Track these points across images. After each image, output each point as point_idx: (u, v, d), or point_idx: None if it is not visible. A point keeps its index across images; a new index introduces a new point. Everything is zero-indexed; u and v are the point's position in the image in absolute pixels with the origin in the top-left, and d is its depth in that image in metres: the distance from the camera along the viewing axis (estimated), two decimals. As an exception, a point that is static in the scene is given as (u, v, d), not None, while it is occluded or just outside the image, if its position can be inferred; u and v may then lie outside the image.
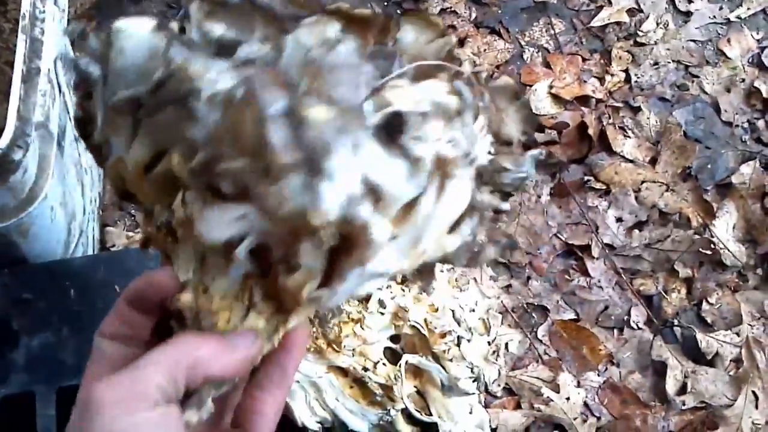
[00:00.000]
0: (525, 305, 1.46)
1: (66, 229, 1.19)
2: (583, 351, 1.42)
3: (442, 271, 0.91)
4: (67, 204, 1.19)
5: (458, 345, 0.86)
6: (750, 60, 1.80)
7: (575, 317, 1.46)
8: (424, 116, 0.40)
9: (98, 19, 1.75)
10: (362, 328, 0.82)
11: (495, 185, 0.48)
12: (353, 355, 0.82)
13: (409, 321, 0.83)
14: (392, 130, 0.39)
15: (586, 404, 1.37)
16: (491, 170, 0.47)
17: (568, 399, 1.36)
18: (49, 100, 1.00)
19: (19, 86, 0.94)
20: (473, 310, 0.91)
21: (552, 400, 1.36)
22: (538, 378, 1.39)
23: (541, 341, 1.43)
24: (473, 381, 0.85)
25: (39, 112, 0.99)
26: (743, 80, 1.75)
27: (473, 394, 0.86)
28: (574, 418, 1.35)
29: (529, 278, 1.49)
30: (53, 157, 1.04)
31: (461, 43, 1.76)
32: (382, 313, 0.83)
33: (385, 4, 1.83)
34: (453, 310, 0.87)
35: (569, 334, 1.44)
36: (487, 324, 0.92)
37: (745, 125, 1.70)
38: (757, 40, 1.82)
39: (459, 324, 0.86)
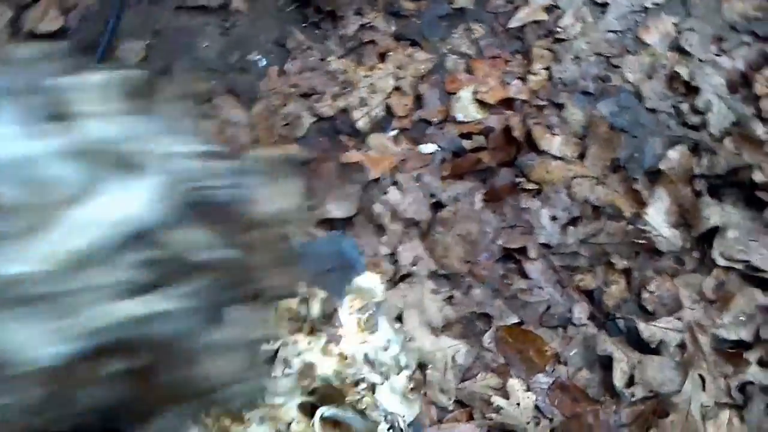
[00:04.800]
0: (468, 314, 1.46)
1: None
2: (529, 354, 1.43)
3: (350, 314, 0.91)
4: None
5: (372, 391, 0.85)
6: (669, 45, 1.82)
7: (519, 321, 1.46)
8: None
9: None
10: (263, 399, 0.80)
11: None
12: (262, 423, 0.81)
13: (318, 377, 0.82)
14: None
15: (537, 407, 1.37)
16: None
17: (518, 404, 1.37)
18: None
19: None
20: (386, 349, 0.90)
21: (503, 408, 1.36)
22: (487, 386, 1.39)
23: (487, 349, 1.43)
24: (389, 429, 0.84)
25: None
26: (664, 66, 1.77)
27: (393, 440, 0.85)
28: (527, 423, 1.35)
29: (470, 287, 1.49)
30: None
31: (382, 58, 1.76)
32: (288, 374, 0.82)
33: (304, 22, 1.83)
34: (365, 354, 0.86)
35: (514, 338, 1.44)
36: (404, 359, 0.91)
37: (670, 110, 1.72)
38: (675, 24, 1.85)
39: (372, 367, 0.86)
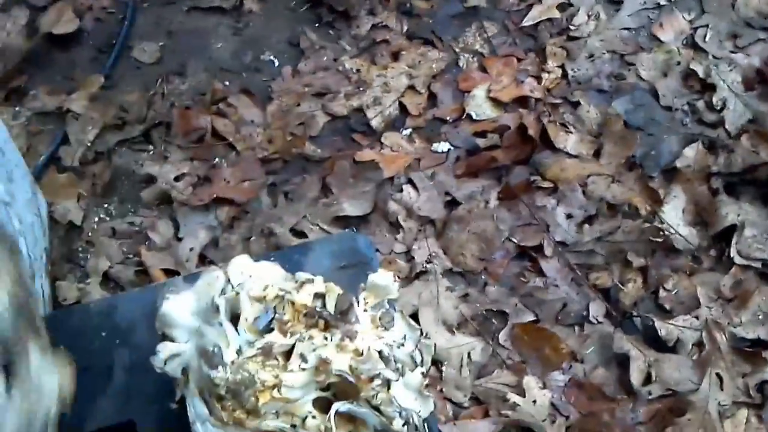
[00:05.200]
0: (484, 312, 1.46)
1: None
2: (545, 351, 1.42)
3: (365, 311, 0.90)
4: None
5: (387, 387, 0.85)
6: (684, 42, 1.81)
7: (535, 318, 1.46)
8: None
9: (29, 73, 1.73)
10: (280, 392, 0.80)
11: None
12: (278, 417, 0.81)
13: (333, 372, 0.82)
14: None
15: (553, 404, 1.36)
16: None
17: (534, 402, 1.36)
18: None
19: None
20: (402, 345, 0.89)
21: (519, 405, 1.35)
22: (503, 384, 1.38)
23: (503, 346, 1.43)
24: (403, 425, 0.84)
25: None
26: (679, 63, 1.77)
27: (407, 432, 0.85)
28: (543, 420, 1.35)
29: (485, 284, 1.49)
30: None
31: (395, 57, 1.76)
32: (304, 369, 0.82)
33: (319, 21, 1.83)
34: (380, 350, 0.85)
35: (530, 336, 1.44)
36: (419, 355, 0.91)
37: (685, 108, 1.71)
38: (689, 21, 1.84)
39: (387, 363, 0.85)
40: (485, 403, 1.37)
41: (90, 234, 1.55)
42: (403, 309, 1.37)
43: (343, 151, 1.64)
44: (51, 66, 1.77)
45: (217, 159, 1.63)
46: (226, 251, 1.50)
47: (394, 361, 0.89)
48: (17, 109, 1.70)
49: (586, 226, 1.54)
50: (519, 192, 1.57)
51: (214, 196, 1.56)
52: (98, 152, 1.65)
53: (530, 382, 1.38)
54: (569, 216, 1.55)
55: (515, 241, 1.53)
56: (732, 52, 1.78)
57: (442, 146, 1.65)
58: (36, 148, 1.65)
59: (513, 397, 1.36)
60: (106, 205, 1.59)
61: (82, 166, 1.63)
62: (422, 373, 0.92)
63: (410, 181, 1.59)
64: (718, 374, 1.37)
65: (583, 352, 1.43)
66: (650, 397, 1.37)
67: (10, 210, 1.19)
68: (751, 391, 1.36)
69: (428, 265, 1.49)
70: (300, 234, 1.52)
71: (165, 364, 0.87)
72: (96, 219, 1.57)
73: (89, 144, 1.64)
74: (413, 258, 1.49)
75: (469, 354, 1.40)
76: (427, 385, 0.91)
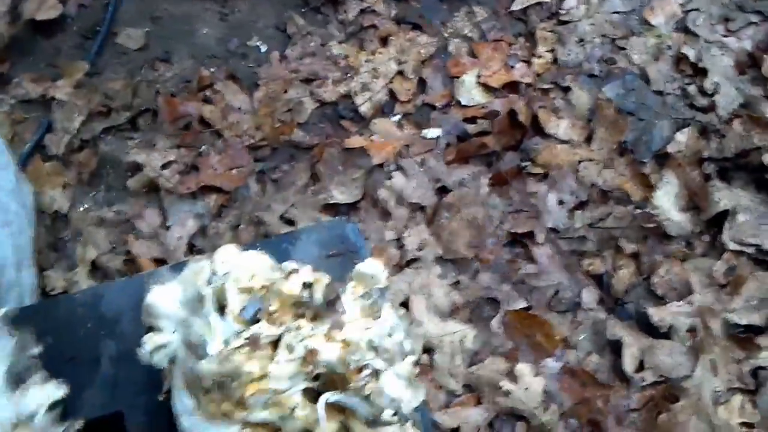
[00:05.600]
0: (476, 299, 1.45)
1: (-9, 284, 1.15)
2: (538, 338, 1.41)
3: (354, 301, 0.88)
4: (-11, 258, 1.15)
5: (377, 377, 0.83)
6: (675, 26, 1.80)
7: (527, 305, 1.45)
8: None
9: (12, 60, 1.70)
10: (267, 384, 0.78)
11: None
12: (265, 408, 0.79)
13: (321, 362, 0.80)
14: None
15: (546, 392, 1.35)
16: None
17: (527, 389, 1.35)
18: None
19: None
20: (391, 335, 0.88)
21: (511, 392, 1.34)
22: (495, 371, 1.37)
23: (495, 334, 1.42)
24: (393, 415, 0.82)
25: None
26: (670, 47, 1.75)
27: (397, 423, 0.84)
28: (535, 407, 1.34)
29: (477, 272, 1.48)
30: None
31: (384, 42, 1.74)
32: (291, 360, 0.80)
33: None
34: (369, 340, 0.84)
35: (522, 323, 1.43)
36: (409, 345, 0.89)
37: (677, 92, 1.70)
38: (681, 5, 1.82)
39: (377, 353, 0.83)
40: (477, 391, 1.36)
41: (77, 223, 1.53)
42: (395, 297, 1.36)
43: (332, 137, 1.62)
44: (34, 53, 1.75)
45: (204, 146, 1.61)
46: (215, 240, 1.48)
47: (383, 351, 0.87)
48: (0, 96, 1.67)
49: (578, 212, 1.53)
50: (510, 178, 1.56)
51: (202, 184, 1.54)
52: (84, 140, 1.62)
53: (523, 369, 1.36)
54: (561, 202, 1.54)
55: (506, 227, 1.52)
56: (724, 35, 1.77)
57: (432, 132, 1.63)
58: (20, 137, 1.62)
59: (505, 385, 1.34)
60: (92, 194, 1.57)
61: (67, 155, 1.60)
62: (412, 363, 0.90)
63: (400, 168, 1.57)
64: (711, 360, 1.37)
65: (576, 339, 1.42)
66: (643, 384, 1.36)
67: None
68: (744, 378, 1.35)
69: (419, 253, 1.47)
70: (289, 222, 1.50)
71: (151, 355, 0.85)
72: (82, 208, 1.55)
73: (75, 132, 1.62)
74: (404, 245, 1.48)
75: (461, 341, 1.39)
76: (417, 375, 0.89)
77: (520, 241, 1.51)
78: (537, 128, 1.62)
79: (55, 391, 0.78)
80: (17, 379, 0.77)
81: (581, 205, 1.54)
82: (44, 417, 0.75)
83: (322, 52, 1.74)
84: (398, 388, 0.88)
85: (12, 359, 0.76)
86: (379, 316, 0.89)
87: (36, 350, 0.82)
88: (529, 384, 1.35)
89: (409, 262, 1.46)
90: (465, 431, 1.31)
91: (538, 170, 1.57)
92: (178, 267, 0.93)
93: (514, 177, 1.56)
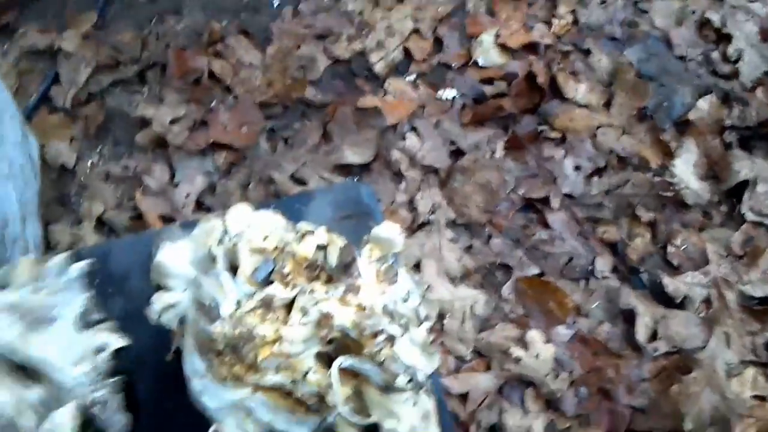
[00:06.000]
0: (488, 265, 1.42)
1: (-3, 237, 1.13)
2: (550, 305, 1.39)
3: (369, 264, 0.86)
4: (-6, 210, 1.13)
5: (391, 343, 0.81)
6: (700, -11, 1.74)
7: (539, 272, 1.42)
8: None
9: (18, 10, 1.66)
10: (280, 347, 0.76)
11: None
12: (278, 372, 0.77)
13: (335, 327, 0.78)
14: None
15: (556, 359, 1.33)
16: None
17: (537, 356, 1.33)
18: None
19: None
20: (406, 300, 0.85)
21: (522, 359, 1.33)
22: (506, 337, 1.35)
23: (506, 300, 1.40)
24: (408, 382, 0.80)
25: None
26: (694, 12, 1.70)
27: (412, 390, 0.82)
28: (546, 375, 1.32)
29: (489, 237, 1.45)
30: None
31: (401, -1, 1.70)
32: (305, 323, 0.78)
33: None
34: (384, 305, 0.81)
35: (535, 289, 1.40)
36: (424, 310, 0.87)
37: (699, 58, 1.65)
38: (706, -32, 1.77)
39: (391, 318, 0.81)
40: (487, 357, 1.34)
41: (83, 177, 1.50)
42: (406, 261, 1.34)
43: (345, 96, 1.59)
44: (41, 3, 1.70)
45: (214, 102, 1.58)
46: (224, 198, 1.45)
47: (399, 317, 0.85)
48: (6, 47, 1.63)
49: (595, 178, 1.50)
50: (526, 142, 1.53)
51: (211, 140, 1.51)
52: (91, 93, 1.59)
53: (534, 336, 1.35)
54: (577, 168, 1.51)
55: (521, 192, 1.49)
56: (750, 1, 1.71)
57: (448, 93, 1.59)
58: (26, 88, 1.59)
59: (516, 351, 1.33)
60: (99, 148, 1.54)
61: (74, 108, 1.57)
62: (427, 329, 0.88)
63: (414, 129, 1.54)
64: (725, 332, 1.35)
65: (589, 307, 1.39)
66: (656, 354, 1.34)
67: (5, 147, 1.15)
68: (758, 350, 1.33)
69: (431, 216, 1.45)
70: (300, 181, 1.48)
71: (160, 315, 0.83)
72: (89, 162, 1.53)
73: (82, 85, 1.58)
74: (416, 208, 1.45)
75: (472, 307, 1.37)
76: (432, 341, 0.87)
77: (535, 207, 1.48)
78: (555, 91, 1.58)
79: (120, 340, 0.77)
80: (87, 323, 0.78)
81: (598, 172, 1.51)
82: (107, 357, 0.76)
83: (337, 7, 1.70)
84: (413, 354, 0.86)
85: (86, 305, 0.78)
86: (396, 281, 0.87)
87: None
88: (540, 351, 1.34)
89: (421, 226, 1.44)
90: (474, 397, 1.30)
91: (556, 135, 1.54)
92: (189, 225, 0.91)
93: (531, 141, 1.53)
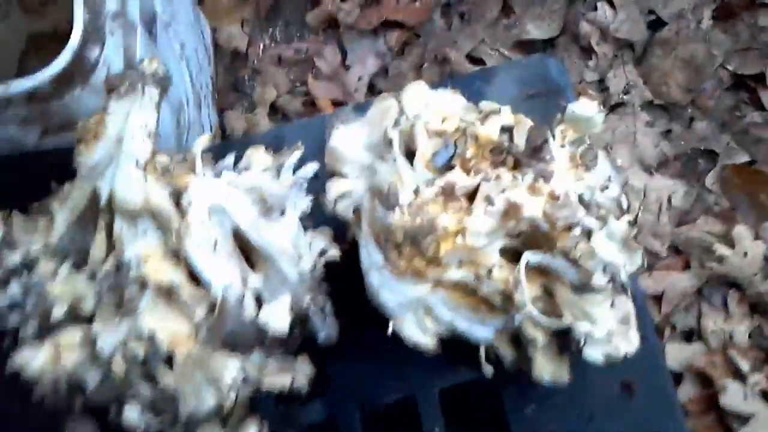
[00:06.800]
0: (689, 151, 1.31)
1: (174, 121, 1.13)
2: (761, 198, 1.28)
3: (562, 146, 0.76)
4: (170, 95, 1.12)
5: (588, 237, 0.72)
6: None
7: (750, 160, 1.30)
8: None
9: None
10: (464, 239, 0.69)
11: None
12: (460, 267, 0.70)
13: (524, 218, 0.69)
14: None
15: (766, 258, 1.20)
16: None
17: (745, 254, 1.21)
18: (122, -15, 0.91)
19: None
20: (606, 189, 0.75)
21: (726, 257, 1.20)
22: (708, 233, 1.24)
23: (710, 191, 1.29)
24: (609, 282, 0.71)
25: (112, 1, 0.90)
26: None
27: (610, 290, 0.73)
28: (754, 275, 1.20)
29: (692, 119, 1.34)
30: (139, 47, 0.96)
31: None
32: (491, 213, 0.70)
33: None
34: (580, 195, 0.72)
35: (744, 179, 1.29)
36: (626, 201, 0.77)
37: None
38: None
39: (588, 209, 0.72)
40: (686, 254, 1.25)
41: (255, 61, 1.48)
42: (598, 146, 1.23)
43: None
44: None
45: (386, -23, 1.49)
46: (397, 80, 1.40)
47: (597, 207, 0.75)
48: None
49: (823, 50, 1.30)
50: (739, 9, 1.37)
51: (383, 18, 1.44)
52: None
53: (741, 231, 1.24)
54: (801, 38, 1.32)
55: (731, 68, 1.35)
56: None
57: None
58: (197, -30, 1.57)
59: (720, 248, 1.22)
60: (270, 30, 1.51)
61: (245, -12, 1.54)
62: (629, 222, 0.78)
63: (606, -2, 1.40)
64: None
65: (808, 200, 1.23)
66: None
67: (170, 31, 1.12)
68: None
69: (625, 97, 1.35)
70: (477, 60, 1.40)
71: (335, 203, 0.79)
72: (261, 45, 1.50)
73: (251, -36, 1.54)
74: (607, 88, 1.36)
75: (669, 198, 1.27)
76: (635, 237, 0.77)
77: (747, 85, 1.34)
78: (778, -53, 1.37)
79: (336, 250, 0.79)
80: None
81: (827, 42, 1.31)
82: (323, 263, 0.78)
83: None
84: (612, 250, 0.77)
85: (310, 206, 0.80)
86: (594, 166, 0.77)
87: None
88: (748, 249, 1.22)
89: (613, 108, 1.33)
90: (670, 298, 1.21)
91: (775, -1, 1.34)
92: (363, 107, 0.85)
93: (744, 8, 1.37)
